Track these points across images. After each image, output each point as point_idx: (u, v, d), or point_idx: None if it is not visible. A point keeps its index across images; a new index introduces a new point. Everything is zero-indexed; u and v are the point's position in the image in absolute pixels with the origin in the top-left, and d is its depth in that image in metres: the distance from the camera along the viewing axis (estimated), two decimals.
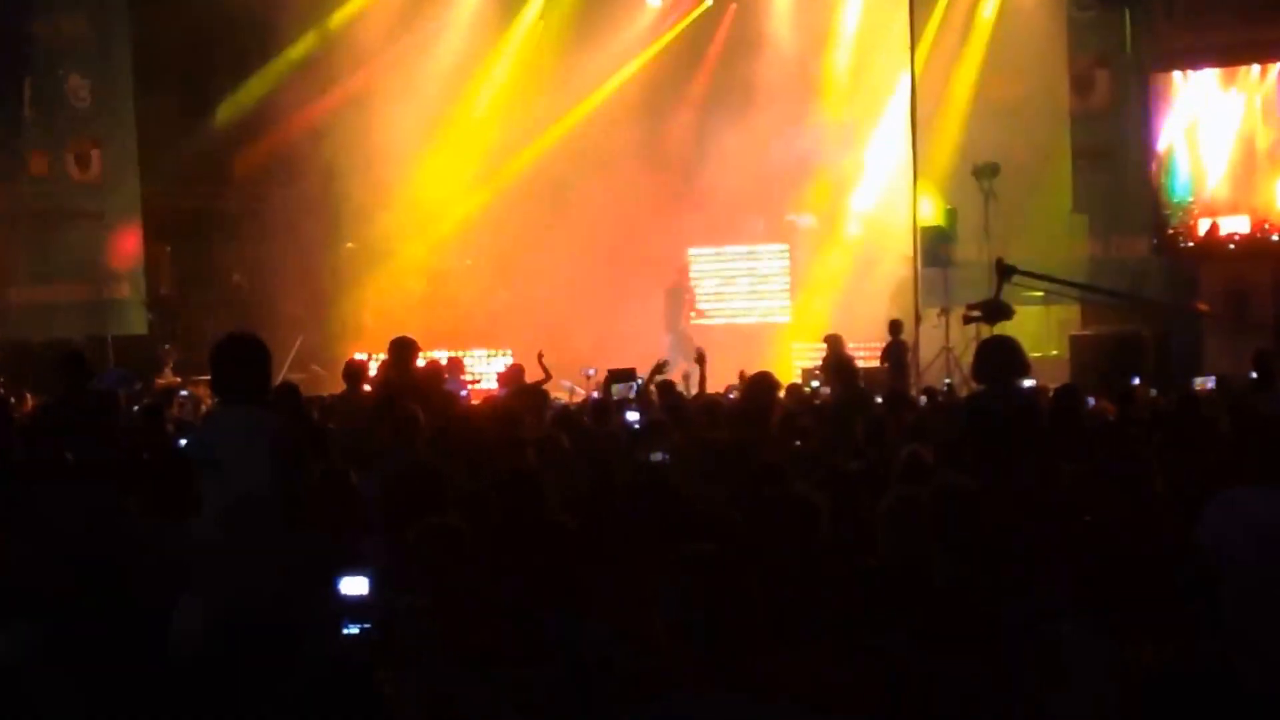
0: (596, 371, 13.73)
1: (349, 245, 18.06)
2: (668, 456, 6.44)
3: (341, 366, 10.43)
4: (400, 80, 17.51)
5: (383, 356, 10.10)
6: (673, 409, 8.34)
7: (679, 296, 17.37)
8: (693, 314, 17.75)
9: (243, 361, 4.80)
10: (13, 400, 11.85)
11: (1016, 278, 13.11)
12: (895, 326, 14.45)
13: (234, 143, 17.47)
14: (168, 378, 14.90)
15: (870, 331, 15.63)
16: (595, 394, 11.89)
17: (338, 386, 11.04)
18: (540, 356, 12.66)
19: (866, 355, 15.32)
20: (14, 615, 3.89)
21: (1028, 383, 6.82)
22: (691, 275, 18.60)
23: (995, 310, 12.80)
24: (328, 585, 3.73)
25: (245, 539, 4.23)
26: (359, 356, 11.87)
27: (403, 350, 9.43)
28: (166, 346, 15.54)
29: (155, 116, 16.15)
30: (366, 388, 10.03)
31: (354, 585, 3.74)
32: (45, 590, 4.21)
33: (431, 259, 18.04)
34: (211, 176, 17.35)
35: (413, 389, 8.66)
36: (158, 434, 8.45)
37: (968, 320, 13.42)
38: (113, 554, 4.46)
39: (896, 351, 14.23)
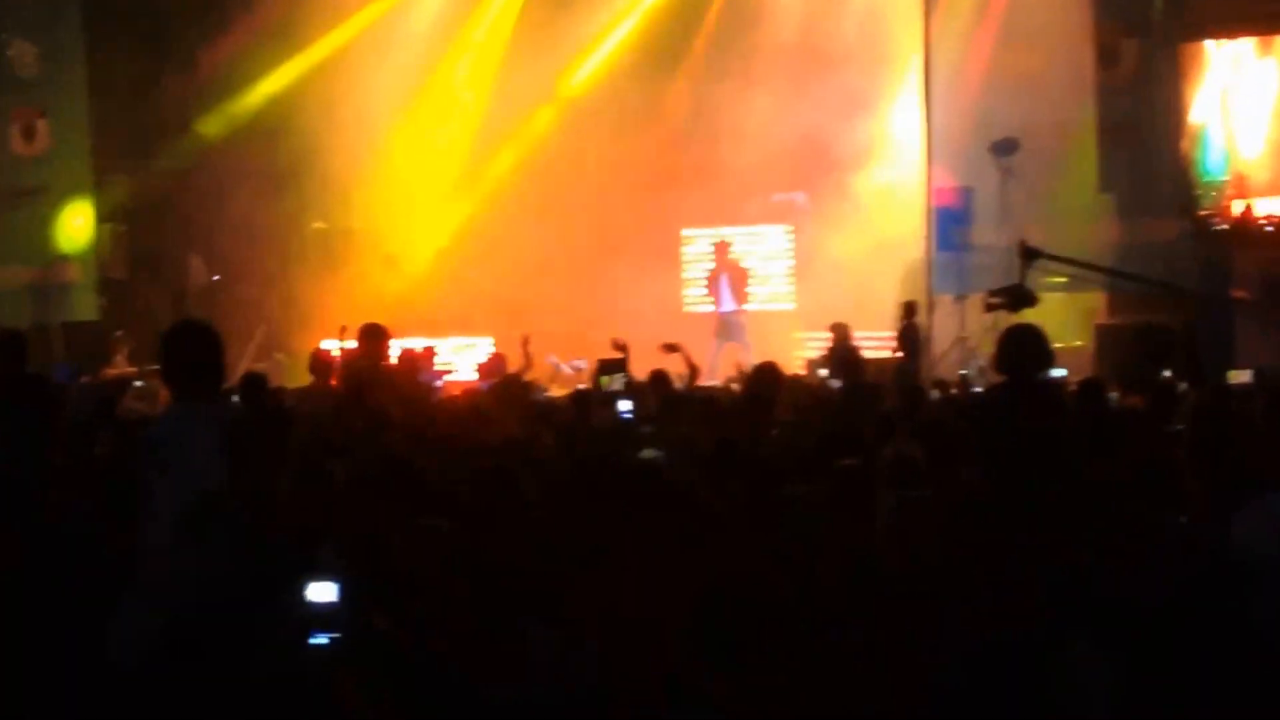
0: (586, 364, 13.72)
1: (317, 225, 18.00)
2: (661, 454, 6.43)
3: (308, 355, 10.40)
4: (375, 45, 17.44)
5: (352, 344, 10.07)
6: (668, 403, 8.33)
7: (719, 279, 17.24)
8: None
9: (192, 352, 4.78)
10: None
11: (1041, 262, 13.09)
12: (909, 308, 14.45)
13: (194, 113, 17.39)
14: (120, 368, 14.86)
15: (880, 319, 15.62)
16: (580, 387, 11.87)
17: (303, 376, 11.01)
18: (525, 342, 12.63)
19: (876, 344, 15.32)
20: None
21: (1056, 372, 6.79)
22: (687, 258, 18.61)
23: (1019, 297, 12.75)
24: (293, 592, 3.71)
25: (202, 543, 4.21)
26: (326, 345, 11.84)
27: (372, 338, 9.41)
28: (119, 334, 15.49)
29: (108, 84, 16.07)
30: (334, 380, 10.01)
31: (322, 592, 3.72)
32: None
33: (406, 239, 17.99)
34: (169, 149, 17.27)
35: (385, 381, 8.64)
36: (110, 430, 8.41)
37: (989, 308, 13.37)
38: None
39: (910, 334, 14.24)
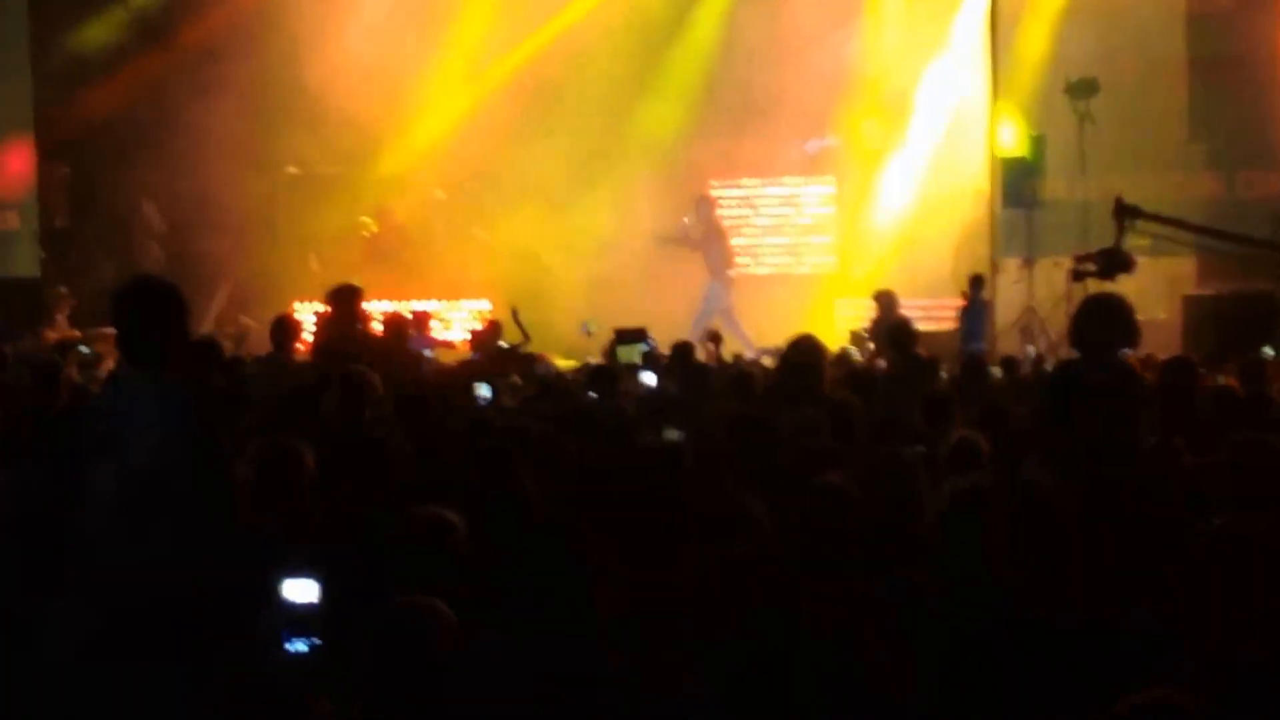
0: (597, 326, 13.80)
1: (290, 169, 18.00)
2: (684, 436, 6.46)
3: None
4: None
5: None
6: (694, 379, 8.37)
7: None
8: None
9: (151, 315, 4.80)
10: None
11: (1140, 223, 13.00)
12: (976, 282, 14.37)
13: (146, 37, 17.34)
14: (62, 329, 14.90)
15: (934, 287, 15.60)
16: (590, 361, 11.91)
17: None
18: (515, 314, 12.77)
19: (928, 316, 15.29)
20: None
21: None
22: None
23: (1114, 262, 12.65)
24: (265, 591, 3.75)
25: (148, 529, 4.24)
26: (298, 310, 11.87)
27: (342, 301, 9.38)
28: (61, 290, 15.53)
29: (50, 3, 16.06)
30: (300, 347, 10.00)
31: (300, 591, 3.74)
32: None
33: (393, 188, 17.98)
34: (119, 79, 17.23)
35: (362, 351, 8.64)
36: (51, 400, 8.46)
37: (1078, 275, 13.28)
38: None
39: (974, 312, 14.17)
